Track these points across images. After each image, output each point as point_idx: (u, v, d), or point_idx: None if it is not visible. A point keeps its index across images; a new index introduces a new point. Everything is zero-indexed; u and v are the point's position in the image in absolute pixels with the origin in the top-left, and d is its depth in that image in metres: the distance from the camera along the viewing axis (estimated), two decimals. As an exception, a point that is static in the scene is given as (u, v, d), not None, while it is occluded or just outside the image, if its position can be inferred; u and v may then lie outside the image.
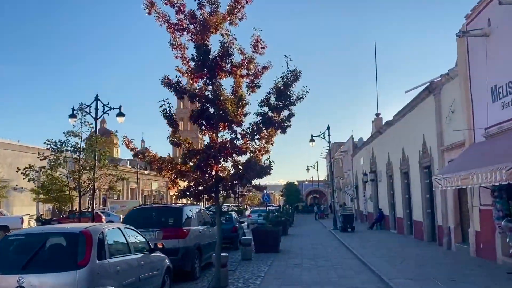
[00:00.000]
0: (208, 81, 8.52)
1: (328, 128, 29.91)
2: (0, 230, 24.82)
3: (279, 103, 8.70)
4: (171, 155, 9.95)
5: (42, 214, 37.95)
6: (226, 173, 8.80)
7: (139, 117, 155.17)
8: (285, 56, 8.68)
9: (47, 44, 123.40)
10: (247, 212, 57.13)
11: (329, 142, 30.07)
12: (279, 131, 8.97)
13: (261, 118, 8.77)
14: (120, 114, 20.42)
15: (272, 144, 9.39)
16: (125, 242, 6.95)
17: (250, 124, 8.82)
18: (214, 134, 8.66)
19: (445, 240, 15.26)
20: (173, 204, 12.10)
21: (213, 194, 8.79)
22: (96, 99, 20.50)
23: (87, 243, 5.85)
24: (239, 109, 8.59)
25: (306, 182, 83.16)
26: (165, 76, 8.40)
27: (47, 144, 18.19)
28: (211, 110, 8.50)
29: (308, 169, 63.44)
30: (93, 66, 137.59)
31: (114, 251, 6.50)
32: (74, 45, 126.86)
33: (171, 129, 8.66)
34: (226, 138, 8.75)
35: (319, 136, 30.04)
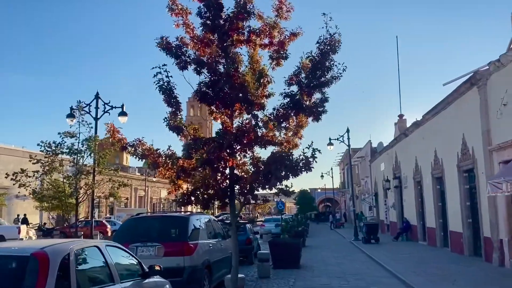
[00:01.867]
0: (220, 50, 6.52)
1: (348, 131, 27.81)
2: (-5, 241, 23.16)
3: (313, 80, 6.69)
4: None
5: (45, 223, 36.32)
6: (245, 170, 6.82)
7: (152, 123, 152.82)
8: (323, 14, 6.64)
9: (51, 50, 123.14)
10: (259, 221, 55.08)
11: (348, 145, 27.93)
12: (311, 118, 6.97)
13: (289, 100, 6.78)
14: (123, 113, 18.61)
15: (300, 138, 7.42)
16: (105, 266, 4.96)
17: (273, 109, 6.85)
18: (227, 119, 6.70)
19: (495, 255, 13.04)
20: (177, 213, 10.09)
21: (227, 200, 6.82)
22: (97, 97, 18.73)
23: (40, 270, 3.91)
24: (260, 89, 6.61)
25: (319, 190, 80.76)
26: (162, 37, 6.46)
27: (41, 146, 16.38)
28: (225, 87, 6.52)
29: (322, 176, 61.14)
30: (102, 68, 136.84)
31: (86, 281, 4.52)
32: (80, 47, 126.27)
33: (169, 109, 6.71)
34: (245, 121, 6.73)
35: (337, 139, 27.91)
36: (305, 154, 6.59)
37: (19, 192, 34.56)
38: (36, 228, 32.55)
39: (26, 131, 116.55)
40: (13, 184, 16.58)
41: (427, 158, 20.01)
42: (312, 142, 6.59)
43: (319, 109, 6.87)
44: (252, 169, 6.85)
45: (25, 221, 35.26)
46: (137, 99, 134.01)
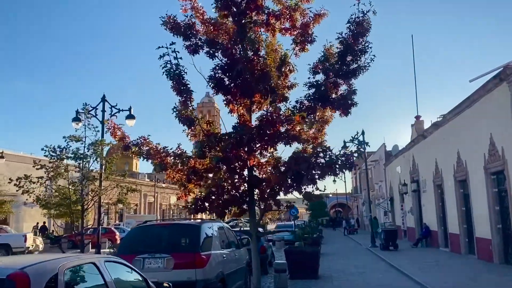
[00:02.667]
0: (236, 33, 5.64)
1: (363, 133, 26.79)
2: (1, 249, 22.52)
3: (343, 67, 5.82)
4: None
5: (53, 231, 35.69)
6: (268, 171, 5.94)
7: (159, 127, 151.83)
8: (355, -12, 5.78)
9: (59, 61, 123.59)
10: (269, 227, 54.03)
11: (364, 148, 26.87)
12: (338, 112, 6.11)
13: (314, 90, 5.92)
14: (130, 116, 17.88)
15: (324, 135, 6.55)
16: (104, 286, 4.14)
17: (296, 101, 5.99)
18: (245, 112, 5.84)
19: (531, 263, 12.04)
20: (187, 220, 9.25)
21: (245, 206, 5.96)
22: (103, 100, 18.04)
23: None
24: (282, 78, 5.76)
25: (330, 195, 79.48)
26: (168, 16, 5.63)
27: (45, 150, 15.68)
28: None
29: (335, 181, 59.05)
30: (110, 72, 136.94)
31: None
32: (85, 48, 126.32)
33: (179, 98, 5.87)
34: (270, 112, 5.80)
35: (352, 141, 26.79)
36: (346, 149, 5.69)
37: (26, 199, 34.08)
38: (44, 235, 31.94)
39: (35, 138, 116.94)
40: (16, 191, 15.89)
41: (448, 160, 19.00)
42: (357, 133, 5.68)
43: (348, 101, 6.00)
44: (275, 170, 5.94)
45: (43, 229, 34.76)
46: (146, 104, 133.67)
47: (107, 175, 16.12)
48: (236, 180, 5.95)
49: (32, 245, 23.99)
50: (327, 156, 5.59)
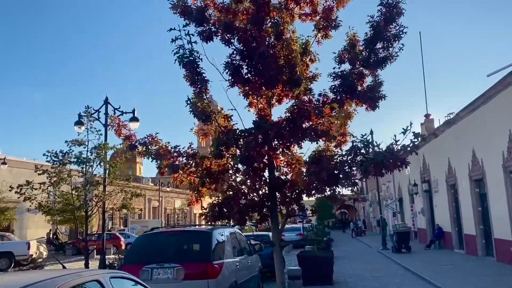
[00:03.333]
0: (256, 16, 5.02)
1: (372, 133, 26.17)
2: (4, 258, 22.03)
3: (372, 55, 5.24)
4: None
5: (56, 237, 35.20)
6: (294, 172, 5.35)
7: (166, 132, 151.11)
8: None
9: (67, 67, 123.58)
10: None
11: (373, 148, 26.20)
12: (365, 106, 5.55)
13: (340, 81, 5.35)
14: (134, 119, 17.34)
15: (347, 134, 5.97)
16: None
17: (319, 94, 5.39)
18: (265, 105, 5.25)
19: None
20: (197, 227, 8.70)
21: (266, 212, 5.38)
22: (106, 102, 17.54)
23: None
24: (303, 68, 5.19)
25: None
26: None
27: (47, 156, 15.15)
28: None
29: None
30: (112, 76, 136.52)
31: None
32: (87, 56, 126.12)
33: (193, 88, 5.28)
34: (298, 102, 5.16)
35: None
36: (398, 143, 5.07)
37: (30, 206, 33.62)
38: (48, 242, 31.46)
39: (38, 144, 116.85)
40: (18, 198, 15.37)
41: (462, 159, 18.40)
42: (410, 124, 5.06)
43: (376, 94, 5.43)
44: (306, 170, 5.32)
45: (55, 235, 34.28)
46: (151, 107, 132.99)
47: (111, 179, 15.59)
48: (256, 183, 5.35)
49: (36, 253, 23.46)
50: (377, 153, 4.96)
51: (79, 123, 16.70)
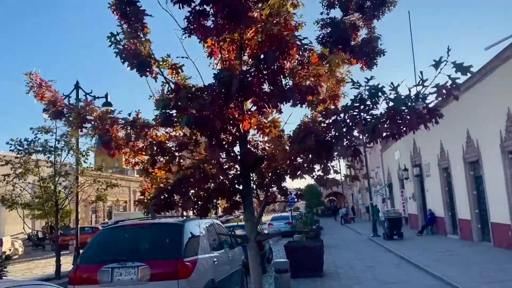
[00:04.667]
0: None
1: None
2: (-25, 255, 20.74)
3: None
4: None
5: (31, 233, 33.71)
6: (274, 138, 4.20)
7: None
8: None
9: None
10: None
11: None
12: (360, 63, 4.46)
13: (330, 30, 4.26)
14: (107, 104, 16.12)
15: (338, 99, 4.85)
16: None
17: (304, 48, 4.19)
18: (231, 48, 4.00)
19: None
20: (168, 219, 7.62)
21: (237, 198, 4.24)
22: (77, 87, 16.32)
23: None
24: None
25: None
26: None
27: (11, 144, 13.91)
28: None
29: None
30: (81, 63, 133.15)
31: None
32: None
33: (124, 25, 4.00)
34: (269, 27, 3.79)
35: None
36: (427, 83, 3.88)
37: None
38: (26, 238, 30.11)
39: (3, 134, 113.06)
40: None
41: (456, 141, 17.56)
42: (448, 50, 3.82)
43: (373, 48, 4.35)
44: (290, 142, 4.03)
45: (50, 229, 32.82)
46: (125, 92, 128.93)
47: (82, 169, 14.41)
48: (223, 160, 4.18)
49: (10, 249, 22.22)
50: (377, 106, 3.76)
51: (47, 109, 15.45)
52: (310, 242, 12.47)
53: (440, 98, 3.74)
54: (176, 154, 4.22)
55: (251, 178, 4.41)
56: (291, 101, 3.74)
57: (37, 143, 13.86)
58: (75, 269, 6.41)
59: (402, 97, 3.66)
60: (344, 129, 3.59)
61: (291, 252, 12.05)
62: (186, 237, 6.48)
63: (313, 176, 4.47)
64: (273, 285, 10.22)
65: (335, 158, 3.94)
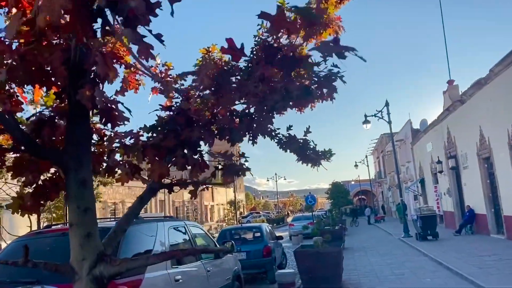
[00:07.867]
0: None
1: (387, 105, 22.81)
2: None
3: None
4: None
5: None
6: None
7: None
8: None
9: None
10: (288, 220, 50.55)
11: (389, 122, 22.89)
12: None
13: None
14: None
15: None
16: None
17: None
18: None
19: None
20: (110, 221, 5.68)
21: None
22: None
23: None
24: None
25: (353, 182, 75.32)
26: None
27: None
28: None
29: (356, 165, 55.73)
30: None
31: None
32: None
33: None
34: None
35: (375, 115, 22.85)
36: None
37: None
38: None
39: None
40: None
41: (498, 125, 15.08)
42: None
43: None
44: None
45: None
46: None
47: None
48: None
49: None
50: None
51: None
52: (326, 246, 10.35)
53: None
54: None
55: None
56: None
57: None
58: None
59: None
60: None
61: (302, 260, 9.99)
62: (125, 249, 4.53)
63: (271, 131, 2.53)
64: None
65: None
